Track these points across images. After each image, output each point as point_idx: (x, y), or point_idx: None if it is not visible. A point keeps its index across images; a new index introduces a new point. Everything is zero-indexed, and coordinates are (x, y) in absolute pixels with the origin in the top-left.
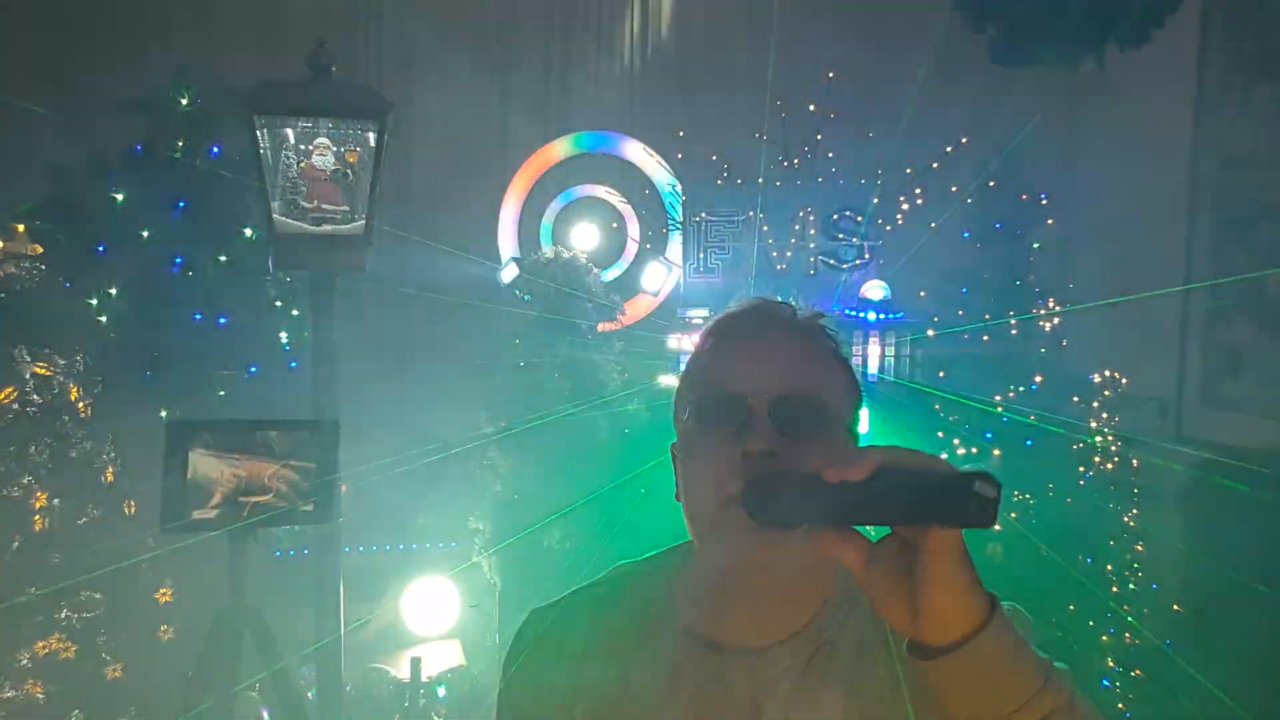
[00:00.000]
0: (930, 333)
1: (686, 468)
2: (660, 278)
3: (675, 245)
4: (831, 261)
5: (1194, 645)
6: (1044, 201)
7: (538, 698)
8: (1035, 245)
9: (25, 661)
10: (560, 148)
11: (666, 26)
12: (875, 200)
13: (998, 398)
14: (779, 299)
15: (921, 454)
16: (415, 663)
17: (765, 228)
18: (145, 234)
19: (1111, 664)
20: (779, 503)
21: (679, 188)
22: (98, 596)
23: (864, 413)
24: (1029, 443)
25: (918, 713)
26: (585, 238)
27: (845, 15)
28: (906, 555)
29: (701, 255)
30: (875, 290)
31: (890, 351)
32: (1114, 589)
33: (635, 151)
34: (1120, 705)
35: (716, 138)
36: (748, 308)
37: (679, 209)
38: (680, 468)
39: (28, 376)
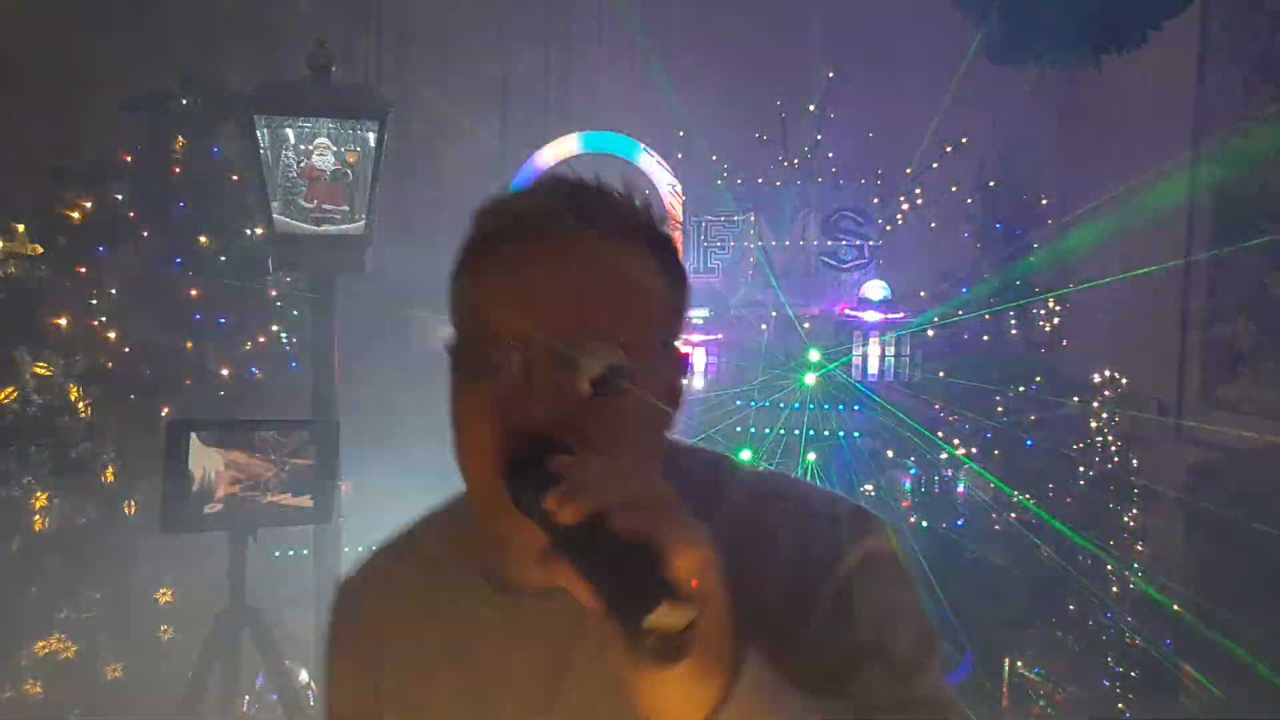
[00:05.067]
0: (930, 333)
1: (452, 412)
2: None
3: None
4: (831, 261)
5: (1194, 645)
6: (1044, 202)
7: (353, 674)
8: (1035, 245)
9: (25, 661)
10: (569, 145)
11: (667, 26)
12: (875, 200)
13: (998, 398)
14: (584, 179)
15: (648, 516)
16: None
17: (765, 228)
18: (145, 234)
19: (1111, 664)
20: (522, 504)
21: (679, 188)
22: (98, 596)
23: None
24: (1029, 443)
25: None
26: None
27: (846, 15)
28: None
29: (701, 255)
30: (875, 290)
31: (890, 351)
32: (1114, 589)
33: (635, 151)
34: (1120, 705)
35: (716, 138)
36: (538, 199)
37: (679, 209)
38: (449, 404)
39: (28, 376)
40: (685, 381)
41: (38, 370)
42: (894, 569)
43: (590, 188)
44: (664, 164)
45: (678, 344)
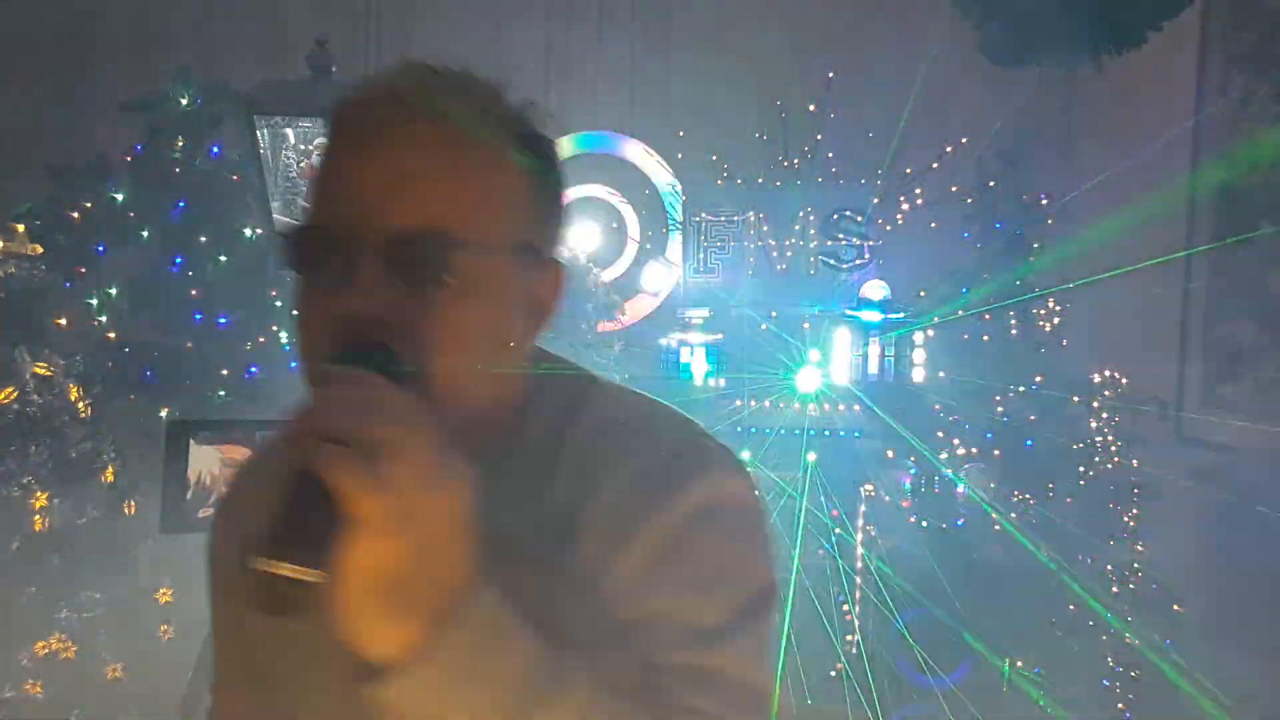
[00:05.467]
0: (930, 333)
1: (293, 304)
2: (660, 278)
3: (675, 245)
4: (831, 261)
5: (1194, 646)
6: (1044, 201)
7: (226, 546)
8: (1035, 245)
9: (25, 661)
10: (563, 147)
11: (666, 26)
12: (875, 200)
13: (997, 398)
14: (447, 66)
15: (340, 458)
16: None
17: (765, 228)
18: (145, 234)
19: (1111, 664)
20: None
21: (679, 188)
22: (98, 596)
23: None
24: (1029, 442)
25: None
26: (585, 238)
27: (845, 15)
28: None
29: (701, 255)
30: (875, 290)
31: (890, 351)
32: (1114, 589)
33: (635, 151)
34: (1120, 705)
35: (716, 138)
36: (385, 84)
37: (679, 209)
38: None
39: (28, 376)
40: (556, 296)
41: (38, 370)
42: (732, 522)
43: (448, 74)
44: (664, 164)
45: (550, 255)
